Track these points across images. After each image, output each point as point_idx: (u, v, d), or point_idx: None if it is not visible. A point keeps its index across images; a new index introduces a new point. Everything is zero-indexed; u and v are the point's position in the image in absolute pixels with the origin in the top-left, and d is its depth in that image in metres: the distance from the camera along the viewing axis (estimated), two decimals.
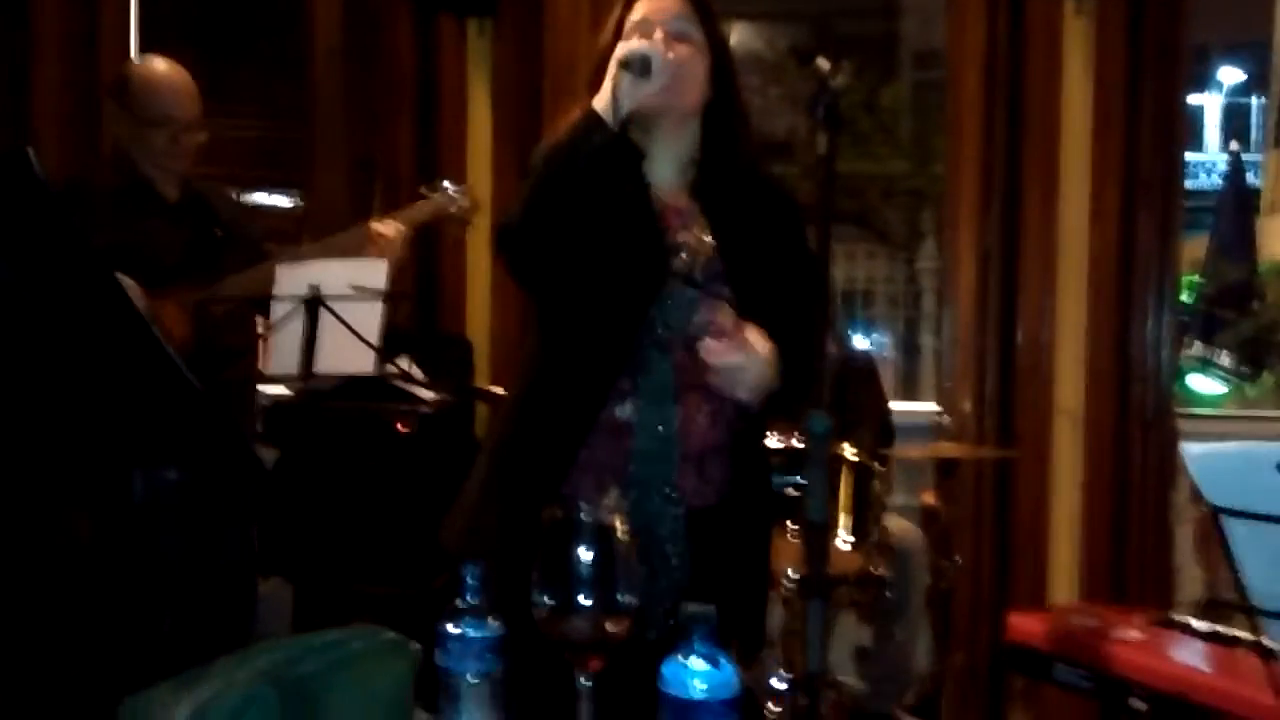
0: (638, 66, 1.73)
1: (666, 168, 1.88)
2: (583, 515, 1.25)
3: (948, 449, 3.33)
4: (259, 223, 3.14)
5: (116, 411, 1.36)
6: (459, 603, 1.24)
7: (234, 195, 3.35)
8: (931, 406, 3.99)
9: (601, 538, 1.25)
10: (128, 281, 2.46)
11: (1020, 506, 3.64)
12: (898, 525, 3.50)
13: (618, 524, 1.26)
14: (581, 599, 1.23)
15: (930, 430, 3.83)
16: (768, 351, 1.75)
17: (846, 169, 10.62)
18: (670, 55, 1.77)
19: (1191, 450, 1.33)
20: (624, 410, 1.80)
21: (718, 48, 1.87)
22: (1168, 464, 3.55)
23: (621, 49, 1.76)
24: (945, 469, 3.40)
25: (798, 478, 1.30)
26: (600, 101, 1.74)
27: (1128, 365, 3.57)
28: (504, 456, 1.89)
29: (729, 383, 1.75)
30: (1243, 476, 1.28)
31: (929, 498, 3.61)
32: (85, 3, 3.80)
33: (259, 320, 2.65)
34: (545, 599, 1.24)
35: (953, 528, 3.58)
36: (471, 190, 2.86)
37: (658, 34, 1.80)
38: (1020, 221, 3.66)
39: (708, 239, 1.84)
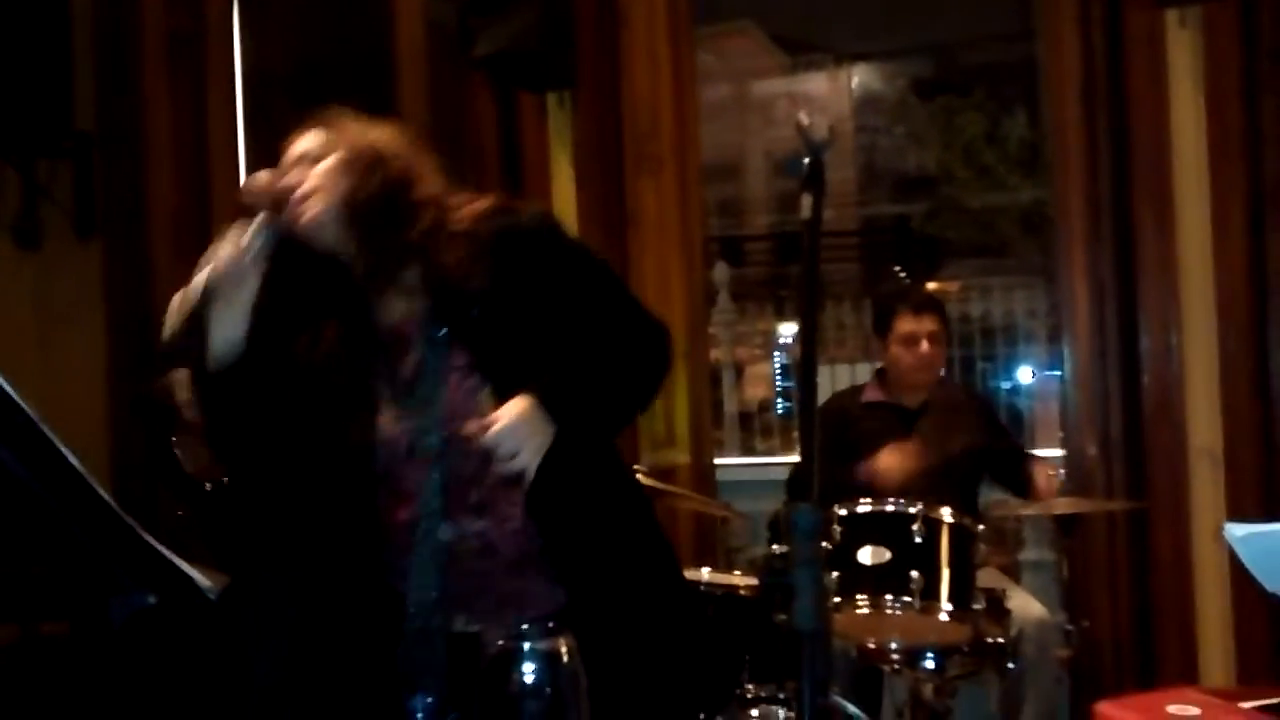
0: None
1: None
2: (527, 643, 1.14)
3: (1064, 503, 3.06)
4: None
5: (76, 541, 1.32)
6: None
7: None
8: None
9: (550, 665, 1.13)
10: None
11: (1160, 562, 3.33)
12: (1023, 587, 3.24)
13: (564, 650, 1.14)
14: None
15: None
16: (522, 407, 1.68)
17: (976, 202, 10.26)
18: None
19: (1235, 532, 1.13)
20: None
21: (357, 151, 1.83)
22: None
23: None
24: (1066, 524, 3.13)
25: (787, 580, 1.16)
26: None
27: (1268, 398, 3.25)
28: None
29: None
30: None
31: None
32: (196, 124, 4.02)
33: None
34: None
35: (1085, 587, 3.30)
36: None
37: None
38: (1135, 250, 3.39)
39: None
